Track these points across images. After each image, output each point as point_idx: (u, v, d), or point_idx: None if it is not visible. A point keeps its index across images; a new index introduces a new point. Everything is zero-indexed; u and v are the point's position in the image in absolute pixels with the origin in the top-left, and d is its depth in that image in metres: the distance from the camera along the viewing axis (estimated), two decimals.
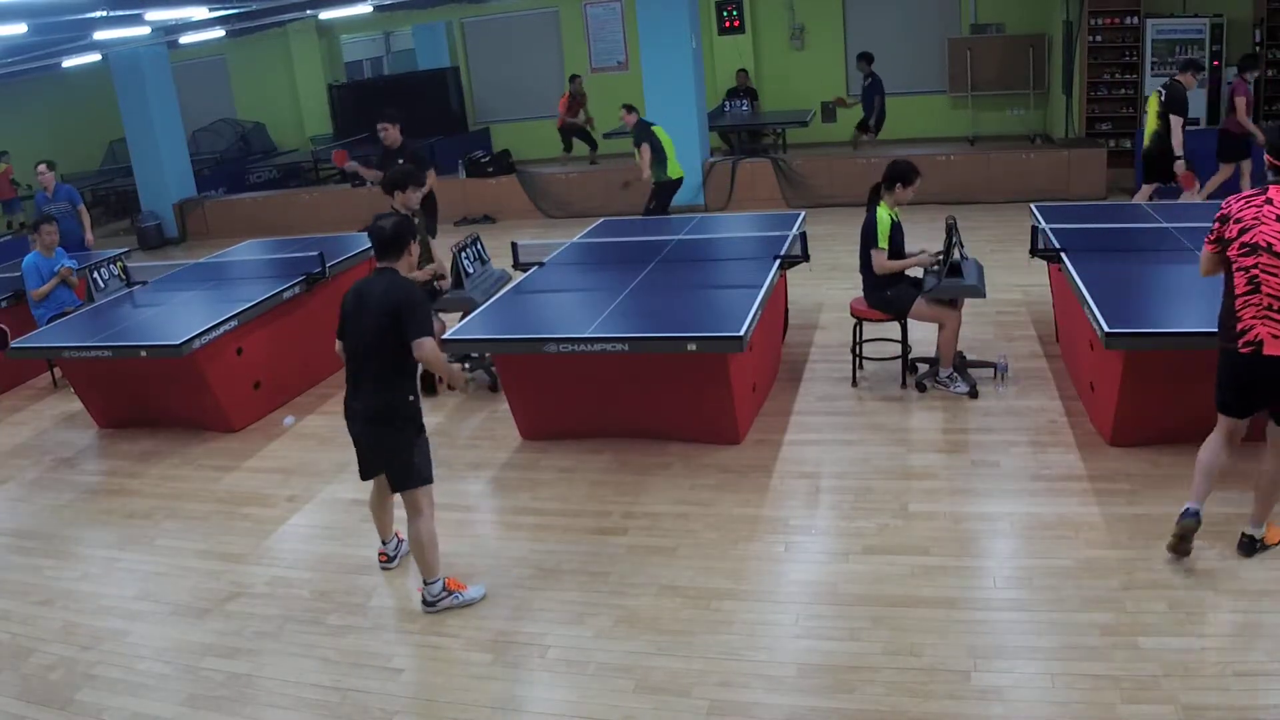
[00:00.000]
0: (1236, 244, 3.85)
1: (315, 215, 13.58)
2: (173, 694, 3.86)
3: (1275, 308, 3.75)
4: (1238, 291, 3.84)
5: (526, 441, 5.96)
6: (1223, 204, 4.00)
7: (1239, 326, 3.82)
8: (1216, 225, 3.96)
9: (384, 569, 4.69)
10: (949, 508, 4.74)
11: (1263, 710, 3.21)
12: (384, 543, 4.71)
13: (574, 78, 14.57)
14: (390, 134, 8.41)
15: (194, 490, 5.76)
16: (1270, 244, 3.76)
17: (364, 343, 4.13)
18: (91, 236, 9.80)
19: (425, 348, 4.04)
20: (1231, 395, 3.96)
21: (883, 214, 5.87)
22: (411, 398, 4.17)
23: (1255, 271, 3.78)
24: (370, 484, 4.53)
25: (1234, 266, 3.86)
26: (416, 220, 6.81)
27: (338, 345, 4.29)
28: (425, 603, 4.29)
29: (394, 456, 4.21)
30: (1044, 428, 5.50)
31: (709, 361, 5.25)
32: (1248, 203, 3.88)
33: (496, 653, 3.97)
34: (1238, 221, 3.87)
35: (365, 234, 8.26)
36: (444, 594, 4.27)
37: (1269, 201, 3.84)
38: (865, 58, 13.05)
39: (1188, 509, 3.99)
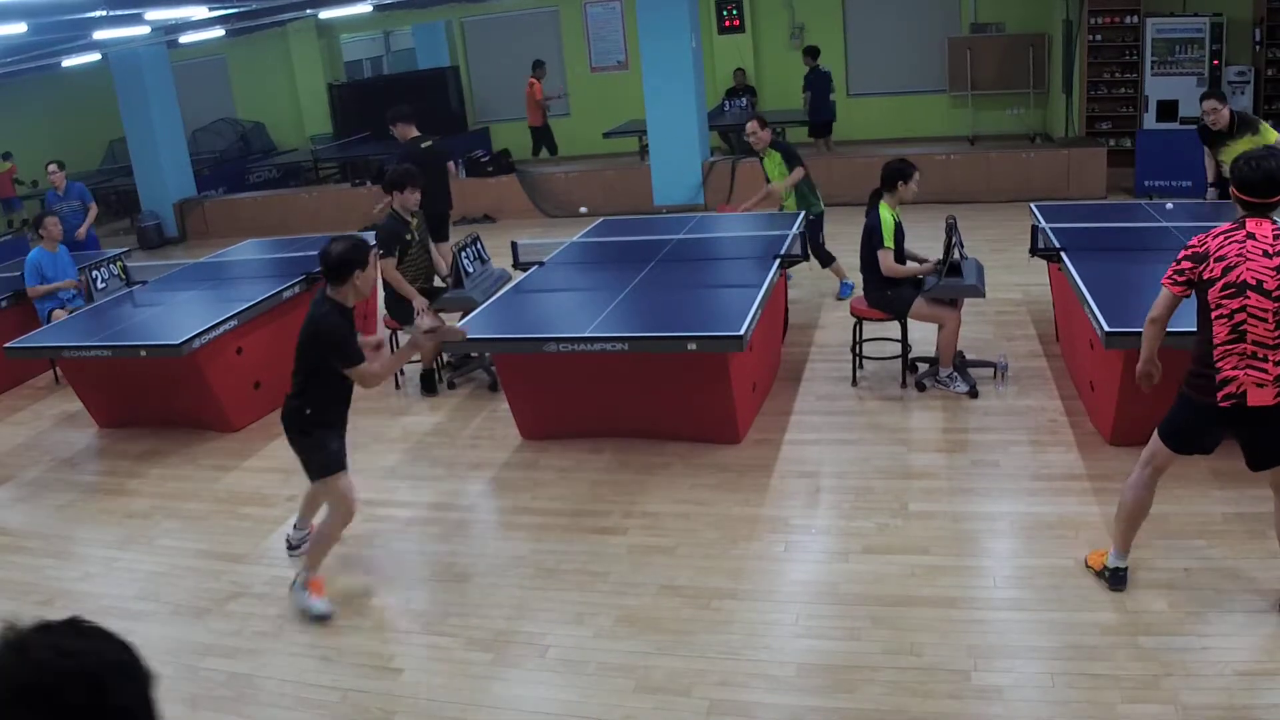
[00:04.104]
0: (1220, 284, 3.44)
1: (315, 215, 13.58)
2: (173, 694, 3.86)
3: (1260, 355, 3.40)
4: (1218, 340, 3.45)
5: (526, 441, 5.96)
6: (1192, 242, 3.58)
7: (1219, 379, 3.46)
8: (1188, 265, 3.54)
9: (290, 554, 4.81)
10: (949, 508, 4.74)
11: (1263, 710, 3.21)
12: (295, 527, 4.86)
13: (539, 64, 14.34)
14: (399, 130, 8.34)
15: (194, 490, 5.76)
16: (1260, 281, 3.39)
17: (298, 359, 4.31)
18: (83, 232, 9.76)
19: (361, 374, 4.23)
20: (1198, 440, 3.68)
21: (886, 214, 5.87)
22: (309, 411, 4.30)
23: (1241, 316, 3.41)
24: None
25: (1215, 313, 3.46)
26: (414, 221, 6.82)
27: None
28: (292, 584, 4.37)
29: (301, 455, 4.40)
30: (1044, 427, 5.50)
31: (709, 361, 5.25)
32: (1227, 238, 3.49)
33: (496, 653, 3.97)
34: (1219, 259, 3.45)
35: (366, 233, 8.32)
36: (302, 590, 4.32)
37: (1251, 236, 3.46)
38: (810, 52, 13.13)
39: (1118, 569, 3.89)
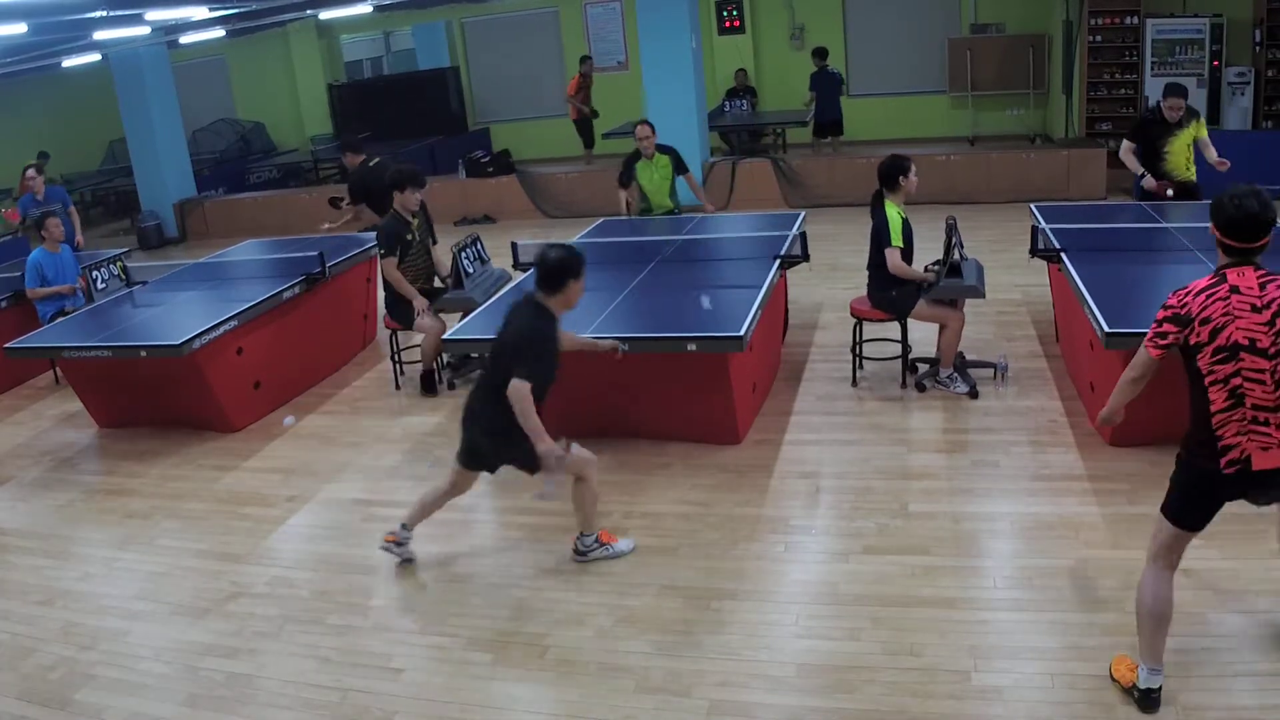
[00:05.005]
0: (1209, 350, 3.13)
1: (315, 215, 13.51)
2: (173, 694, 3.86)
3: (1261, 419, 3.10)
4: (1215, 408, 3.15)
5: None
6: (1171, 301, 3.24)
7: (1220, 445, 3.16)
8: (1171, 329, 3.21)
9: (383, 548, 4.64)
10: (949, 508, 4.74)
11: (1263, 710, 3.21)
12: (404, 527, 4.63)
13: (585, 59, 14.57)
14: (348, 160, 8.87)
15: (194, 490, 5.76)
16: (1253, 340, 3.08)
17: (498, 358, 4.18)
18: (81, 238, 9.72)
19: (515, 390, 4.01)
20: (1202, 510, 3.29)
21: (892, 212, 5.86)
22: (509, 416, 4.17)
23: (1236, 381, 3.10)
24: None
25: (1209, 379, 3.15)
26: (415, 222, 6.83)
27: None
28: (577, 552, 4.48)
29: (516, 459, 4.31)
30: (1044, 428, 5.50)
31: (709, 361, 5.25)
32: (1210, 296, 3.15)
33: (496, 653, 3.97)
34: (1205, 322, 3.13)
35: (366, 233, 8.36)
36: (596, 545, 4.48)
37: (1235, 290, 3.13)
38: (819, 53, 13.20)
39: (1150, 690, 3.26)
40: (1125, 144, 7.36)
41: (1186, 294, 3.23)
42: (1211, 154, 7.09)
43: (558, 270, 4.12)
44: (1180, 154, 7.16)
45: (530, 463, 4.24)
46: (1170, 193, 7.17)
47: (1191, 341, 3.18)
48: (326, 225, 8.73)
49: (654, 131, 8.08)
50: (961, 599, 4.01)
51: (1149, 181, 7.20)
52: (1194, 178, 7.27)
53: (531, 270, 6.91)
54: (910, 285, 5.99)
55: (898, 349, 6.25)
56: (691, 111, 11.98)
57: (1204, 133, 7.21)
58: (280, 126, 18.37)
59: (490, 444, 4.31)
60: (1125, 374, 3.45)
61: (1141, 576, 3.37)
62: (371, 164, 8.60)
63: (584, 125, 14.41)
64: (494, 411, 4.17)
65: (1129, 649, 3.42)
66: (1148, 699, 3.28)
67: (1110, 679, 3.41)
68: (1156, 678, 3.27)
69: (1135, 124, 7.58)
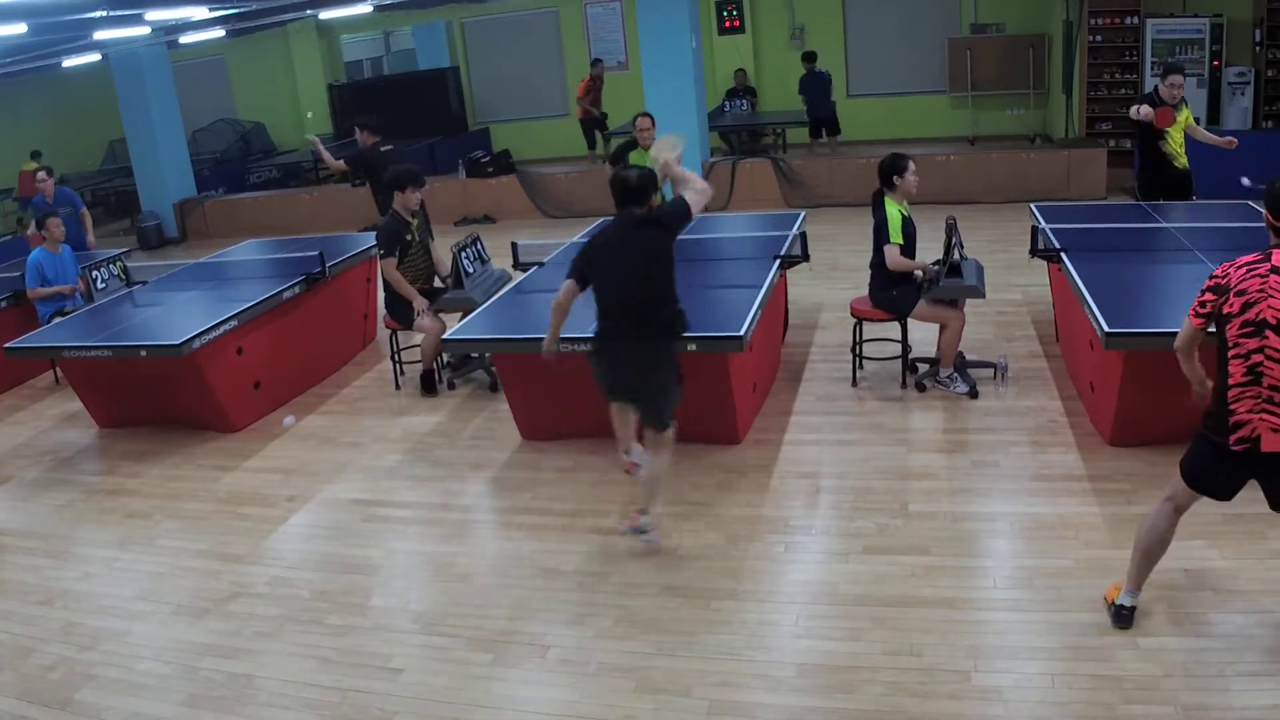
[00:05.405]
0: (1238, 321, 3.24)
1: (315, 215, 13.59)
2: (173, 694, 3.86)
3: (1277, 399, 3.20)
4: (1233, 381, 3.25)
5: (526, 441, 5.96)
6: (1217, 271, 3.38)
7: (1232, 420, 3.27)
8: (1210, 298, 3.34)
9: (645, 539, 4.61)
10: (949, 508, 4.74)
11: (1263, 710, 3.21)
12: (627, 452, 4.78)
13: (596, 62, 14.62)
14: (362, 137, 9.07)
15: (194, 490, 5.76)
16: None
17: (640, 282, 4.41)
18: (93, 238, 9.75)
19: (695, 204, 4.48)
20: (1215, 481, 3.45)
21: (892, 210, 5.86)
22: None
23: (1258, 358, 3.19)
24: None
25: (1231, 351, 3.26)
26: (415, 221, 6.83)
27: (565, 290, 4.53)
28: (634, 528, 4.53)
29: (660, 392, 4.48)
30: (1044, 428, 5.50)
31: (709, 361, 5.25)
32: (1250, 271, 3.25)
33: (496, 653, 3.97)
34: (1240, 294, 3.24)
35: (366, 233, 8.36)
36: (651, 527, 4.53)
37: (1275, 270, 3.22)
38: (808, 57, 13.26)
39: (1122, 607, 3.65)
40: (1135, 108, 7.23)
41: (1230, 265, 3.34)
42: (1206, 135, 7.23)
43: (643, 188, 4.48)
44: (1178, 135, 7.22)
45: (668, 412, 4.47)
46: (1156, 108, 7.07)
47: (1225, 310, 3.29)
48: (313, 137, 9.37)
49: (654, 124, 8.07)
50: (961, 599, 4.01)
51: (1146, 110, 7.09)
52: (1187, 164, 7.33)
53: (529, 269, 6.97)
54: (911, 285, 5.98)
55: (898, 349, 6.24)
56: (691, 111, 11.97)
57: (1191, 118, 7.32)
58: (280, 126, 18.36)
59: (647, 367, 4.44)
60: (1175, 344, 3.59)
61: (1150, 510, 3.62)
62: (383, 149, 8.89)
63: (589, 127, 14.43)
64: (679, 319, 4.47)
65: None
66: (1120, 614, 3.66)
67: (1103, 600, 3.77)
68: (1132, 598, 3.65)
69: (1144, 97, 7.67)
